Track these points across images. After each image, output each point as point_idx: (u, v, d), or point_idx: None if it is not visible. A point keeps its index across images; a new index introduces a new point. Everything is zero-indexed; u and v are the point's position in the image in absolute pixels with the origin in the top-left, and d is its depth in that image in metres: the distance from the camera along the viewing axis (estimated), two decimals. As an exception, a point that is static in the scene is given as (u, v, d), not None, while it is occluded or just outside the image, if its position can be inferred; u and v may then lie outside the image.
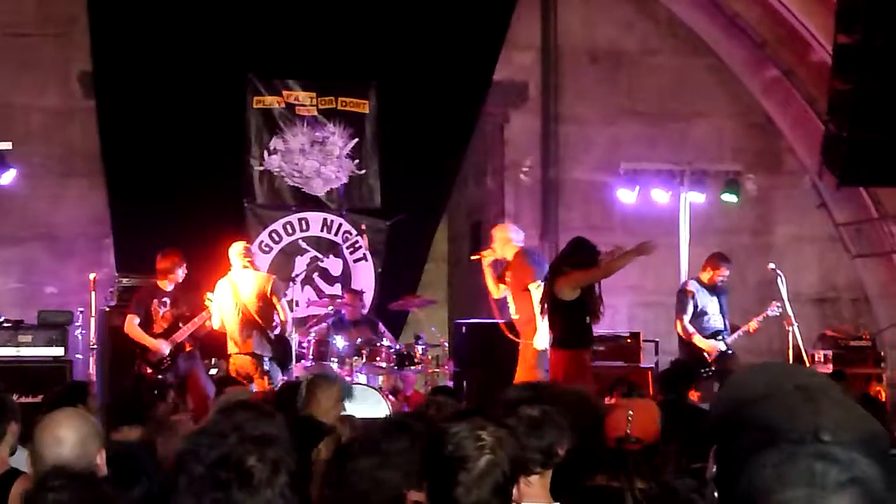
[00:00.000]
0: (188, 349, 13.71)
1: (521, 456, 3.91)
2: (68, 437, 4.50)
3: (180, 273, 13.71)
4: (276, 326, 13.75)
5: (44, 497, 3.65)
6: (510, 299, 13.53)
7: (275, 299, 13.77)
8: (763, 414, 1.84)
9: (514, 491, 3.81)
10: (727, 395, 1.95)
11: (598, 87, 17.71)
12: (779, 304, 14.66)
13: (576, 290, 12.28)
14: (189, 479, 2.60)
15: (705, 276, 14.71)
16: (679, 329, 14.61)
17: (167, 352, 13.59)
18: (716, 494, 1.88)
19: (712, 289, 14.67)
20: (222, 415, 3.73)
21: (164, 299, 13.75)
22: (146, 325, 13.66)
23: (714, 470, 1.90)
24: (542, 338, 12.83)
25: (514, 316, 13.38)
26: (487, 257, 13.76)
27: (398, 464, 4.43)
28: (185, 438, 2.76)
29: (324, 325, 14.83)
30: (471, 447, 3.70)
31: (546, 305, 12.39)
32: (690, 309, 14.52)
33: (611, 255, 12.46)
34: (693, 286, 14.70)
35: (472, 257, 14.34)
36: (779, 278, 14.78)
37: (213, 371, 14.16)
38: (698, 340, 14.39)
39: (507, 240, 13.70)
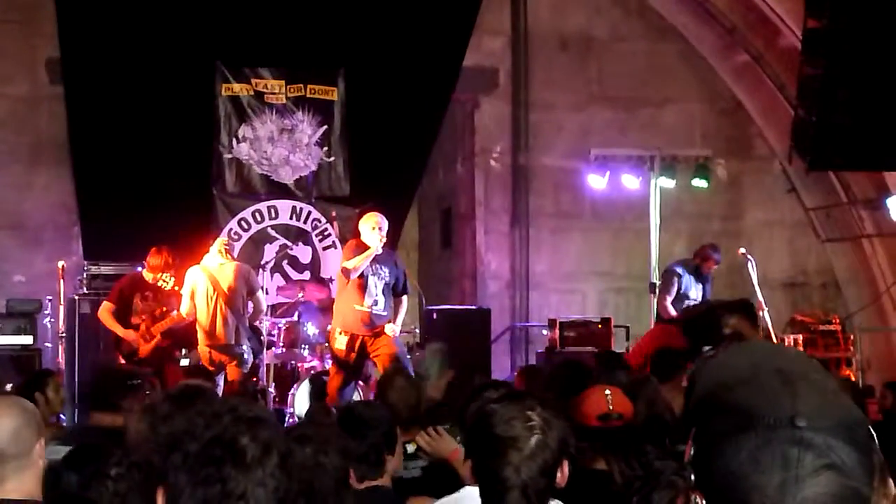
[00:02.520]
0: (164, 343, 13.61)
1: (567, 438, 3.93)
2: (2, 427, 4.47)
3: (167, 277, 13.58)
4: (250, 316, 13.70)
5: None
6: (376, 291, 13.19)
7: (255, 290, 13.73)
8: (741, 398, 1.83)
9: (559, 474, 3.85)
10: (707, 378, 1.93)
11: (568, 73, 17.71)
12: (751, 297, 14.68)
13: None
14: (183, 457, 2.61)
15: (694, 263, 14.78)
16: (660, 308, 14.63)
17: (144, 344, 13.51)
18: (693, 477, 1.87)
19: (698, 275, 14.74)
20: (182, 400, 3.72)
21: (147, 292, 13.67)
22: (123, 314, 13.55)
23: (691, 453, 1.88)
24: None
25: (381, 311, 13.07)
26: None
27: (337, 449, 4.49)
28: (177, 416, 2.77)
29: (296, 312, 14.78)
30: (520, 427, 3.76)
31: None
32: (674, 290, 14.57)
33: None
34: (679, 269, 14.76)
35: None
36: (749, 263, 14.82)
37: (185, 361, 14.07)
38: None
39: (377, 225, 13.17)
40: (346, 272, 12.71)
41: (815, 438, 1.78)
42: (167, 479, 2.65)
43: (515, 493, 3.72)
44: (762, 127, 17.97)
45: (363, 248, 12.78)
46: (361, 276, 12.68)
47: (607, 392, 6.40)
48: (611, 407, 6.24)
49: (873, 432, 1.89)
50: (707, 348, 10.01)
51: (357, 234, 12.98)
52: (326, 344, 13.80)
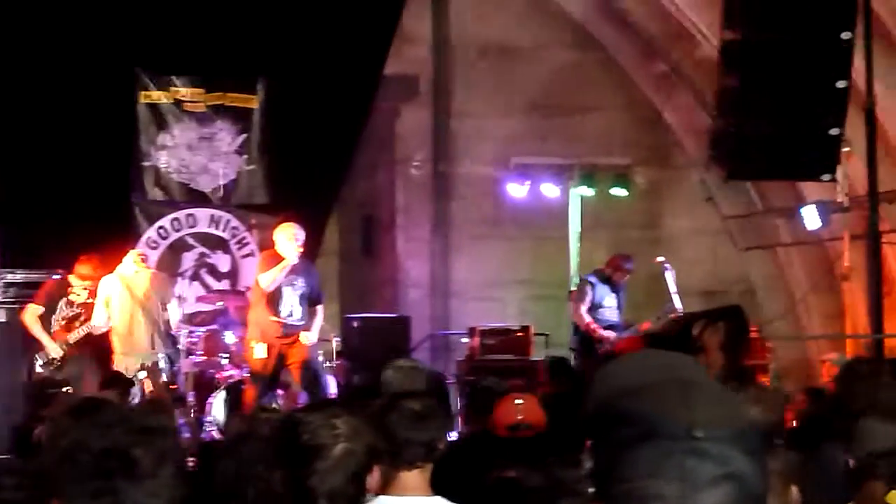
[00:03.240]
0: (80, 351, 13.48)
1: (376, 445, 3.92)
2: None
3: (87, 285, 13.47)
4: (166, 324, 13.62)
5: None
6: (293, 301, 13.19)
7: (170, 298, 13.67)
8: (638, 408, 1.83)
9: (370, 480, 3.84)
10: (602, 387, 1.93)
11: (489, 81, 17.74)
12: (670, 305, 14.75)
13: None
14: (75, 469, 2.59)
15: (607, 272, 14.82)
16: (575, 317, 14.66)
17: (60, 352, 13.38)
18: (591, 490, 1.86)
19: (612, 285, 14.78)
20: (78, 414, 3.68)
21: (73, 298, 13.56)
22: (44, 320, 13.44)
23: (589, 465, 1.88)
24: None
25: (298, 321, 13.11)
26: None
27: (260, 459, 4.45)
28: (74, 429, 2.74)
29: (215, 320, 14.69)
30: (326, 436, 3.75)
31: None
32: (588, 300, 14.60)
33: None
34: (592, 278, 14.80)
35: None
36: (667, 272, 14.89)
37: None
38: (594, 329, 14.42)
39: (293, 238, 13.14)
40: (261, 286, 12.73)
41: (713, 448, 1.78)
42: (61, 491, 2.63)
43: (323, 501, 3.71)
44: (681, 136, 18.10)
45: (278, 259, 12.79)
46: (278, 288, 12.63)
47: (518, 401, 6.41)
48: (520, 417, 6.24)
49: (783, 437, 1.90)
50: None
51: (272, 245, 12.97)
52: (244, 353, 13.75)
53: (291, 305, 12.86)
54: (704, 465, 1.78)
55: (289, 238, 12.77)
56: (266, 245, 15.89)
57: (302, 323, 12.86)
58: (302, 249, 12.83)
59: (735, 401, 1.91)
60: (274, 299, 12.76)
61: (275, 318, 12.74)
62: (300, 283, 12.89)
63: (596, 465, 1.87)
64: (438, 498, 4.78)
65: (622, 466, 1.81)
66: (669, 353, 2.02)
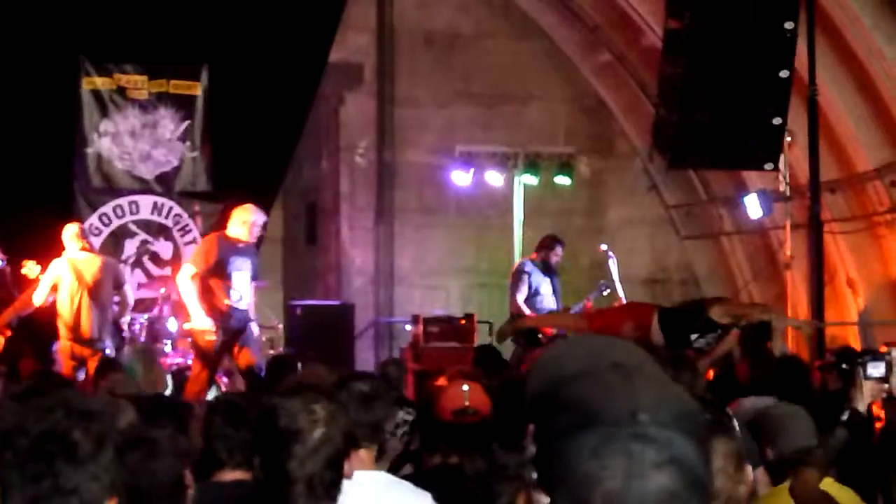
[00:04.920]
0: (12, 335, 13.38)
1: (353, 430, 3.96)
2: None
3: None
4: (115, 309, 13.56)
5: None
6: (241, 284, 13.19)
7: (122, 284, 13.63)
8: (580, 394, 1.82)
9: (347, 465, 3.85)
10: (542, 373, 1.93)
11: (433, 69, 17.74)
12: (605, 282, 14.81)
13: None
14: (14, 453, 2.57)
15: (539, 257, 14.81)
16: (514, 307, 14.67)
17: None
18: (534, 475, 1.86)
19: (546, 270, 14.77)
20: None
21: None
22: None
23: (532, 450, 1.87)
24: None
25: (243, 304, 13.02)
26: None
27: (168, 450, 4.41)
28: (12, 413, 2.72)
29: (158, 307, 14.63)
30: (304, 421, 3.76)
31: None
32: (525, 289, 14.60)
33: None
34: (528, 266, 14.78)
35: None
36: (610, 260, 14.95)
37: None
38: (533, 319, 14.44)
39: (248, 221, 13.04)
40: (196, 275, 12.58)
41: (656, 433, 1.78)
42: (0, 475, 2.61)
43: (300, 485, 3.72)
44: (624, 125, 18.17)
45: (226, 240, 12.68)
46: (226, 272, 12.57)
47: (465, 387, 6.39)
48: (467, 403, 6.23)
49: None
50: (694, 336, 10.09)
51: (222, 227, 12.88)
52: (189, 340, 13.68)
53: (241, 291, 12.81)
54: (648, 450, 1.77)
55: (244, 222, 12.67)
56: (209, 233, 15.86)
57: (247, 307, 12.83)
58: (254, 236, 12.75)
59: (674, 384, 1.90)
60: (224, 285, 12.66)
61: (227, 302, 12.67)
62: (248, 265, 12.80)
63: (538, 451, 1.86)
64: (381, 472, 4.88)
65: (565, 452, 1.80)
66: (609, 338, 2.02)
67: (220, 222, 15.82)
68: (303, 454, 3.73)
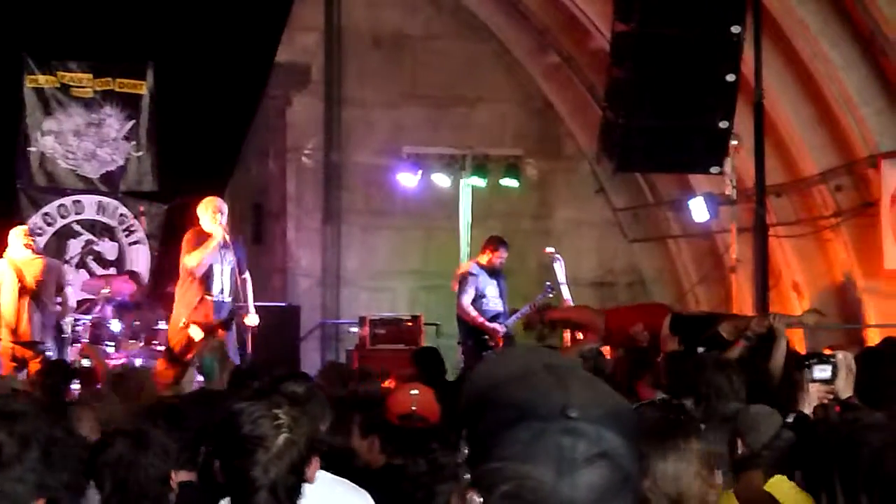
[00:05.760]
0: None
1: (315, 435, 3.92)
2: None
3: None
4: (57, 311, 13.46)
5: None
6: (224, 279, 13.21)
7: (65, 286, 13.53)
8: (513, 393, 1.84)
9: (309, 471, 3.82)
10: (477, 378, 1.93)
11: (381, 70, 17.70)
12: (550, 285, 14.77)
13: None
14: None
15: (484, 259, 14.73)
16: (461, 311, 14.62)
17: None
18: (467, 476, 1.85)
19: (492, 272, 14.71)
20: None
21: None
22: None
23: (465, 452, 1.87)
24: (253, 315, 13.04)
25: (228, 298, 13.09)
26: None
27: (158, 446, 4.39)
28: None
29: (101, 308, 14.51)
30: (268, 426, 3.70)
31: None
32: (472, 291, 14.53)
33: None
34: (474, 269, 14.71)
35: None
36: (556, 262, 14.92)
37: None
38: (481, 322, 14.40)
39: (217, 210, 12.97)
40: (191, 270, 12.54)
41: (587, 428, 1.80)
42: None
43: (264, 493, 3.67)
44: (572, 128, 18.20)
45: (203, 236, 12.65)
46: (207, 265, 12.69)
47: (414, 392, 6.38)
48: (414, 408, 6.22)
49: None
50: (700, 349, 10.09)
51: (194, 223, 12.84)
52: (133, 341, 13.61)
53: (222, 283, 12.81)
54: (579, 444, 1.79)
55: (213, 213, 12.67)
56: (155, 233, 15.79)
57: (230, 299, 12.89)
58: (224, 225, 12.73)
59: (607, 385, 1.92)
60: (205, 278, 12.67)
61: (208, 297, 12.71)
62: (230, 257, 12.78)
63: (471, 451, 1.86)
64: (321, 471, 4.81)
65: (497, 449, 1.81)
66: (542, 347, 2.05)
67: (168, 222, 15.80)
68: (266, 460, 3.68)
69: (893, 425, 3.72)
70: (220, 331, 12.71)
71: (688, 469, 3.60)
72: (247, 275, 13.15)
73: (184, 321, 12.71)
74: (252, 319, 13.12)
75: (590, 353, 9.99)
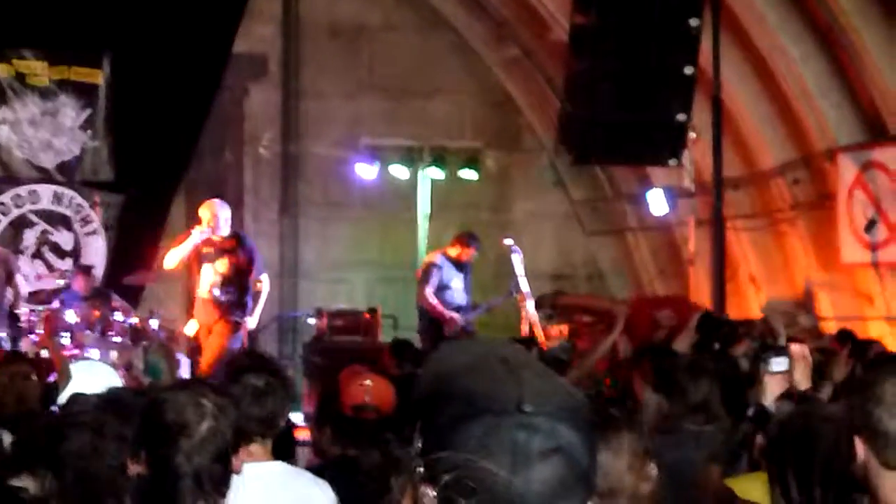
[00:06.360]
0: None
1: (242, 424, 3.90)
2: None
3: None
4: (8, 302, 13.37)
5: None
6: (213, 276, 13.35)
7: (14, 274, 13.46)
8: (467, 386, 1.84)
9: (236, 460, 3.78)
10: (431, 370, 1.93)
11: (339, 61, 17.64)
12: (514, 284, 14.71)
13: None
14: None
15: (453, 252, 14.70)
16: (422, 300, 14.57)
17: None
18: (421, 469, 1.85)
19: (458, 265, 14.70)
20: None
21: None
22: None
23: (419, 444, 1.87)
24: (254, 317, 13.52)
25: (217, 293, 13.30)
26: (203, 232, 13.46)
27: (114, 436, 4.36)
28: None
29: (55, 299, 14.43)
30: (192, 414, 3.68)
31: None
32: (435, 281, 14.49)
33: None
34: (439, 260, 14.68)
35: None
36: (515, 254, 14.88)
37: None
38: (440, 311, 14.34)
39: (215, 214, 13.44)
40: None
41: (542, 422, 1.80)
42: None
43: (188, 480, 3.65)
44: (531, 120, 18.20)
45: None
46: (199, 264, 13.21)
47: (367, 382, 6.38)
48: (367, 399, 6.23)
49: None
50: (717, 345, 10.09)
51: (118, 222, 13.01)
52: (88, 332, 13.55)
53: (210, 284, 13.12)
54: (534, 439, 1.79)
55: (202, 215, 13.23)
56: (110, 223, 15.73)
57: (226, 298, 13.24)
58: (210, 229, 13.20)
59: (561, 379, 1.92)
60: (198, 276, 13.25)
61: (201, 295, 13.28)
62: (224, 261, 13.17)
63: (425, 443, 1.86)
64: (279, 462, 4.85)
65: (452, 442, 1.81)
66: (497, 339, 2.04)
67: (125, 213, 15.76)
68: (189, 448, 3.65)
69: (848, 417, 3.71)
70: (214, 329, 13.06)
71: (618, 463, 3.59)
72: (262, 277, 13.58)
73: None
74: (250, 322, 13.46)
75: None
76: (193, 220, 17.56)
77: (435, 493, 1.81)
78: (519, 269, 14.68)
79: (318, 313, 15.27)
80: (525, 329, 14.65)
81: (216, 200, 13.47)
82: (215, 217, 13.13)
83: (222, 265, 13.13)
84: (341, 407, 6.28)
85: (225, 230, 13.40)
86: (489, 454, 1.78)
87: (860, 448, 3.54)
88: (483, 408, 1.80)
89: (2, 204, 15.81)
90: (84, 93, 16.11)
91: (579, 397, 1.89)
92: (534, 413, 1.80)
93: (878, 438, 3.49)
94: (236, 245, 13.36)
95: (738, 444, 5.43)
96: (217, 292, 13.11)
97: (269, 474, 4.69)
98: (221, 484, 3.71)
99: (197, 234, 13.04)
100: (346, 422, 6.13)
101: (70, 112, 16.07)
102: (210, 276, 13.15)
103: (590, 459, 1.85)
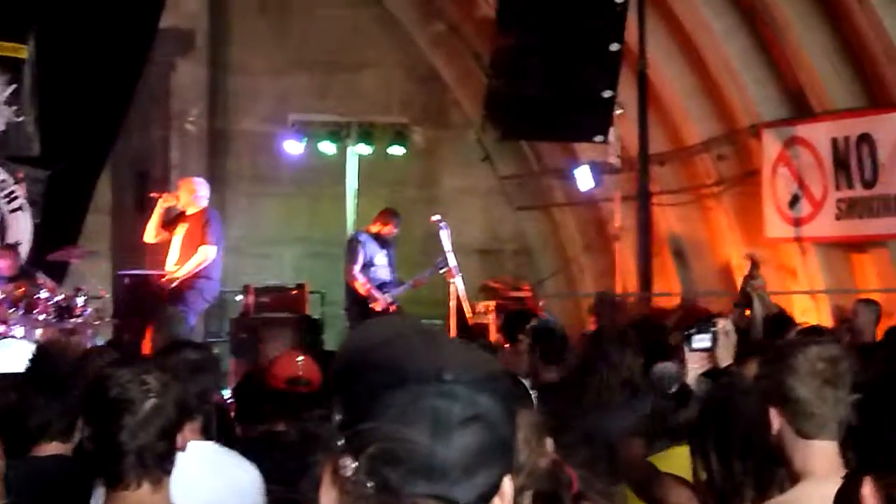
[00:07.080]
0: None
1: (186, 401, 3.90)
2: None
3: None
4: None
5: None
6: (175, 251, 13.55)
7: None
8: (386, 356, 1.86)
9: (180, 437, 3.78)
10: (349, 344, 1.96)
11: (267, 37, 17.60)
12: (442, 259, 14.75)
13: None
14: None
15: (374, 229, 14.74)
16: (348, 278, 14.60)
17: None
18: (341, 442, 1.86)
19: (382, 241, 14.72)
20: None
21: None
22: None
23: (339, 417, 1.87)
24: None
25: (174, 267, 13.39)
26: (167, 201, 13.73)
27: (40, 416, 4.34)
28: None
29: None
30: (135, 391, 3.66)
31: None
32: (360, 258, 14.50)
33: None
34: (361, 236, 14.70)
35: (153, 194, 14.24)
36: (442, 230, 14.92)
37: None
38: (367, 289, 14.36)
39: (192, 192, 13.68)
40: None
41: (462, 391, 1.81)
42: None
43: (131, 457, 3.63)
44: (458, 96, 18.24)
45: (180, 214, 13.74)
46: (169, 239, 13.70)
47: (300, 359, 6.57)
48: (301, 373, 6.36)
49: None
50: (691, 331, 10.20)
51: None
52: (13, 310, 13.44)
53: (176, 256, 13.54)
54: (453, 407, 1.81)
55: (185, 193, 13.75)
56: (36, 199, 15.62)
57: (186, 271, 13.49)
58: (179, 200, 13.71)
59: (481, 350, 1.95)
60: (168, 251, 13.70)
61: (168, 269, 13.59)
62: (181, 231, 13.57)
63: (344, 416, 1.86)
64: (210, 443, 4.86)
65: (372, 413, 1.82)
66: (412, 317, 2.07)
67: (51, 189, 15.66)
68: (133, 425, 3.63)
69: (763, 388, 3.79)
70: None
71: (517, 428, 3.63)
72: (203, 247, 13.52)
73: None
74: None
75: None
76: (119, 196, 17.58)
77: (356, 465, 1.82)
78: (447, 244, 14.72)
79: (245, 289, 15.25)
80: (453, 305, 14.73)
81: (193, 179, 14.10)
82: (190, 193, 13.69)
83: (179, 237, 13.42)
84: (272, 380, 6.37)
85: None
86: (410, 423, 1.79)
87: (775, 418, 3.63)
88: (403, 377, 1.82)
89: (-76, 180, 15.65)
90: (9, 68, 15.94)
91: (498, 367, 1.91)
92: (454, 381, 1.81)
93: (792, 408, 3.58)
94: (202, 218, 13.61)
95: (660, 419, 5.51)
96: (176, 264, 13.38)
97: (198, 454, 4.55)
98: (165, 461, 3.70)
99: (158, 204, 13.57)
100: (278, 396, 6.22)
101: (-6, 87, 15.93)
102: (176, 250, 13.48)
103: (510, 428, 1.87)
